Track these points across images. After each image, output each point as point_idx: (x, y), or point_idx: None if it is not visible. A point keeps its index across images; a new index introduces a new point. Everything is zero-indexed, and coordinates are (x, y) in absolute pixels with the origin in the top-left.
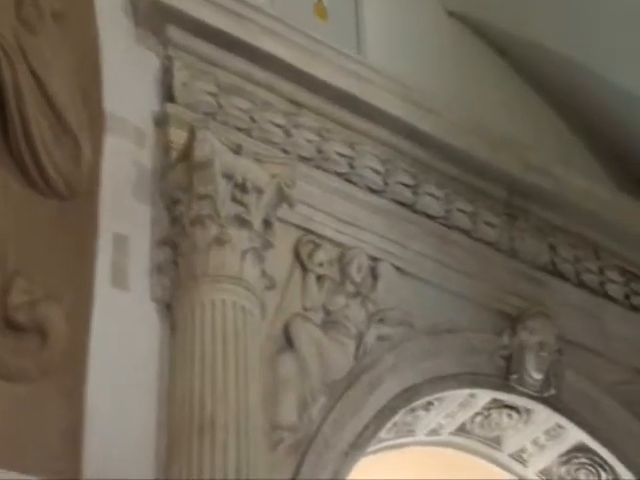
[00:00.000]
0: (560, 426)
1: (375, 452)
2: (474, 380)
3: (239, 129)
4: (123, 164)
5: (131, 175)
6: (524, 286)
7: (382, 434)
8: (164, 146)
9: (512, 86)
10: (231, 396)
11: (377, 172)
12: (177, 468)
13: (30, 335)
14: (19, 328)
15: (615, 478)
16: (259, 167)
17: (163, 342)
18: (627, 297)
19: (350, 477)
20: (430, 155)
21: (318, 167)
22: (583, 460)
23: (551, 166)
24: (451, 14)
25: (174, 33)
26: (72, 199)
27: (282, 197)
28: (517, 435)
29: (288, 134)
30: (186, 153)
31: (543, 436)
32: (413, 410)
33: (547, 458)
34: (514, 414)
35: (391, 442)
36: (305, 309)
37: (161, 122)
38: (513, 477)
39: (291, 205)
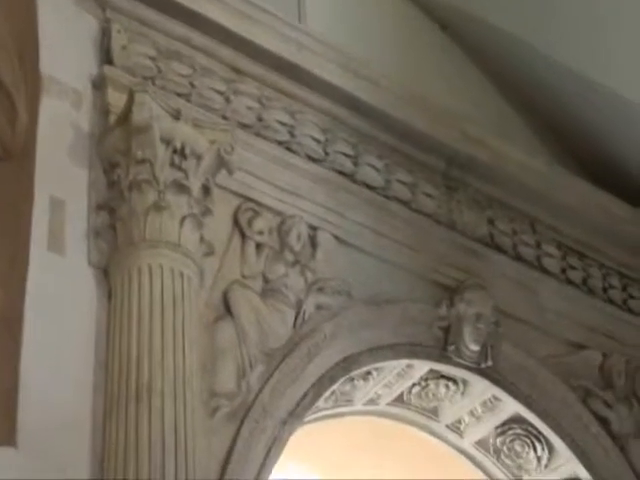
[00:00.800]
0: (496, 397)
1: (313, 421)
2: (412, 351)
3: (178, 94)
4: (60, 127)
5: (68, 138)
6: (462, 258)
7: (320, 403)
8: (102, 109)
9: (452, 59)
10: (168, 362)
11: (317, 141)
12: (114, 434)
13: None
14: None
15: (549, 448)
16: (198, 133)
17: (100, 307)
18: (563, 271)
19: (288, 445)
20: (370, 125)
21: (258, 135)
22: (519, 431)
23: (488, 138)
24: None
25: None
26: (7, 161)
27: (221, 163)
28: (454, 406)
29: (228, 101)
30: (124, 117)
31: (479, 407)
32: (351, 379)
33: (483, 429)
34: (451, 385)
35: (329, 411)
36: (244, 277)
37: (99, 85)
38: (449, 447)
39: (230, 172)
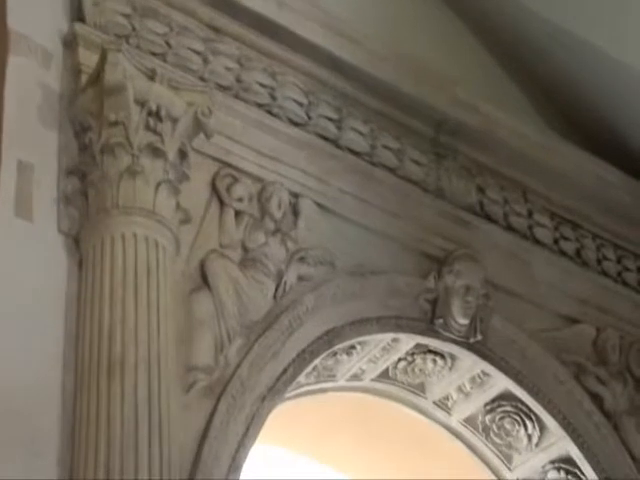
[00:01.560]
0: (485, 373)
1: (294, 397)
2: (398, 324)
3: (154, 54)
4: (28, 87)
5: (37, 99)
6: (451, 228)
7: (301, 378)
8: (73, 69)
9: (441, 19)
10: (142, 335)
11: (299, 104)
12: (85, 409)
13: None
14: None
15: (540, 426)
16: (174, 94)
17: (70, 277)
18: (556, 242)
19: (267, 422)
20: (354, 87)
21: (237, 97)
22: (508, 408)
23: (480, 103)
24: None
25: None
26: None
27: (199, 127)
28: (441, 382)
29: (206, 61)
30: (96, 77)
31: (468, 383)
32: (334, 354)
33: (472, 406)
34: (438, 360)
35: (311, 387)
36: (222, 246)
37: (70, 43)
38: (436, 425)
39: (208, 136)
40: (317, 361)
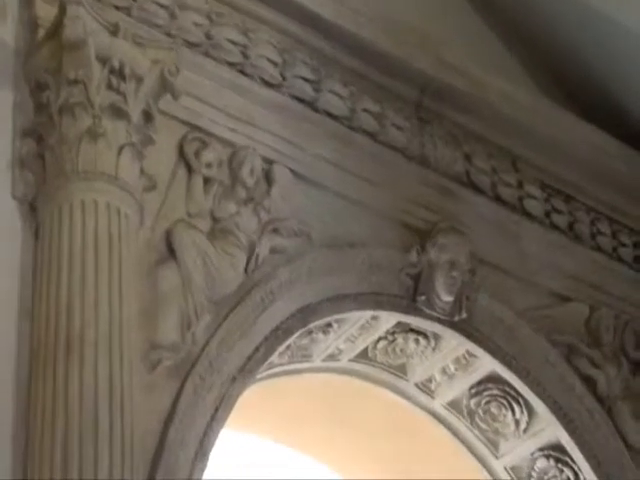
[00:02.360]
0: (471, 354)
1: (266, 378)
2: (377, 301)
3: (117, 7)
4: None
5: None
6: (435, 198)
7: (274, 358)
8: (30, 23)
9: None
10: (103, 310)
11: (274, 63)
12: (40, 388)
13: None
14: None
15: (529, 411)
16: (139, 51)
17: (25, 247)
18: (547, 215)
19: (238, 402)
20: (333, 47)
21: (207, 55)
22: (495, 392)
23: (467, 64)
24: None
25: None
26: None
27: (165, 86)
28: (424, 363)
29: (173, 16)
30: (55, 31)
31: (452, 365)
32: (309, 332)
33: (456, 389)
34: (421, 340)
35: (284, 367)
36: (190, 215)
37: None
38: (418, 409)
39: (175, 96)
40: (291, 340)
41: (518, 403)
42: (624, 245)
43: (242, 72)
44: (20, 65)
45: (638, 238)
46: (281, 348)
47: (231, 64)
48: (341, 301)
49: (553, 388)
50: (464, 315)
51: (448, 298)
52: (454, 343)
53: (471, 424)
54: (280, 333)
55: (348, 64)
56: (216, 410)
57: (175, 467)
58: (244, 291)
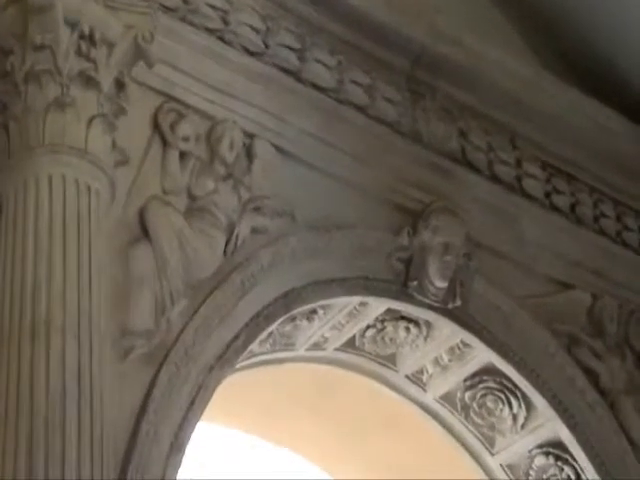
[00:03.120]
0: (466, 344)
1: (246, 368)
2: (366, 286)
3: None
4: None
5: None
6: (428, 176)
7: (255, 347)
8: None
9: None
10: (71, 293)
11: (256, 30)
12: (3, 378)
13: None
14: None
15: (527, 405)
16: (111, 15)
17: None
18: (547, 195)
19: (216, 394)
20: (320, 13)
21: (184, 20)
22: (491, 384)
23: (463, 35)
24: None
25: None
26: None
27: (139, 53)
28: (415, 353)
29: None
30: None
31: (446, 355)
32: (293, 319)
33: (450, 381)
34: (412, 328)
35: (266, 356)
36: (165, 192)
37: None
38: (409, 402)
39: (150, 64)
40: (273, 327)
41: (515, 397)
42: (629, 229)
43: (222, 39)
44: None
45: None
46: (262, 336)
47: (210, 30)
48: (327, 286)
49: (553, 381)
50: (458, 302)
51: (441, 284)
52: (447, 332)
53: (465, 419)
54: (261, 320)
55: (335, 32)
56: (192, 401)
57: (148, 462)
58: (223, 274)
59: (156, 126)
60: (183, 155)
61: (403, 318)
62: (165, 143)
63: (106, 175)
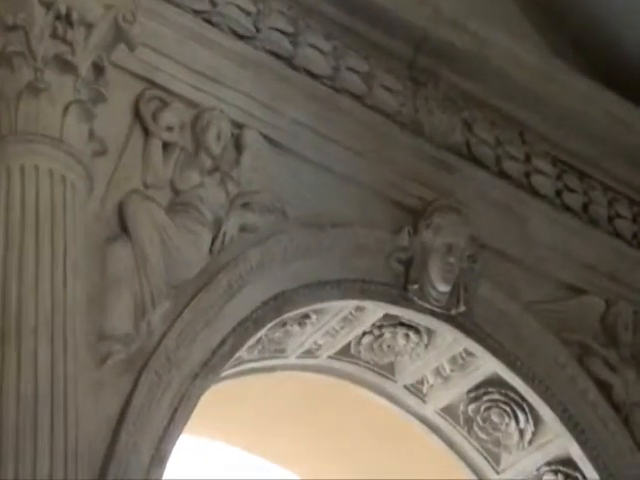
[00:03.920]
0: (469, 352)
1: (233, 376)
2: (362, 289)
3: None
4: None
5: None
6: (430, 172)
7: (243, 353)
8: None
9: None
10: (44, 293)
11: (246, 12)
12: None
13: None
14: None
15: (535, 420)
16: None
17: None
18: (558, 194)
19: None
20: None
21: (169, 1)
22: (496, 396)
23: (468, 19)
24: None
25: None
26: None
27: (119, 36)
28: (415, 362)
29: None
30: None
31: (448, 364)
32: (283, 324)
33: (452, 393)
34: (412, 335)
35: (254, 364)
36: (146, 185)
37: None
38: (408, 415)
39: (131, 47)
40: (262, 332)
41: (522, 410)
42: None
43: (209, 21)
44: None
45: None
46: (251, 342)
47: (196, 12)
48: (321, 288)
49: (563, 393)
50: (462, 308)
51: (444, 288)
52: (450, 340)
53: (468, 433)
54: (250, 324)
55: (331, 15)
56: (174, 411)
57: (127, 475)
58: (209, 275)
59: (137, 114)
60: (166, 146)
61: (402, 324)
62: (147, 133)
63: (83, 166)
